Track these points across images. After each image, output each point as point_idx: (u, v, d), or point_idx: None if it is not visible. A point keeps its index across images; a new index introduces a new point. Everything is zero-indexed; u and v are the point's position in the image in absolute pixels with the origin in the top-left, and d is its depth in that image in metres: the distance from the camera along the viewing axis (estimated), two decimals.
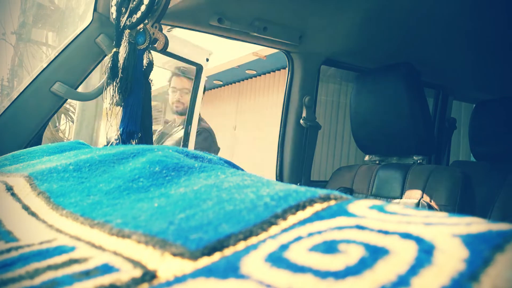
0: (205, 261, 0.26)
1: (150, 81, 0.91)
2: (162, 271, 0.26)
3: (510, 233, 0.22)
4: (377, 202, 0.31)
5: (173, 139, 1.98)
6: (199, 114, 1.96)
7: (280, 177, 1.61)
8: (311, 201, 0.31)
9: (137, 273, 0.26)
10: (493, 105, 1.77)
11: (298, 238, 0.26)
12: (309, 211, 0.30)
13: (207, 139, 2.04)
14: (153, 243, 0.29)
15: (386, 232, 0.25)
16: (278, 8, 1.36)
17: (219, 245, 0.27)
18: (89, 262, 0.28)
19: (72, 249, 0.31)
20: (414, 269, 0.20)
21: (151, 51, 0.90)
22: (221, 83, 6.71)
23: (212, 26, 1.33)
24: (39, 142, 1.15)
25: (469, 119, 1.85)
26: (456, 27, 1.48)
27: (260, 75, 6.01)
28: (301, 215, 0.30)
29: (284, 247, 0.25)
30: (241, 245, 0.27)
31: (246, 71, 5.83)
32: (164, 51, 0.85)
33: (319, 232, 0.27)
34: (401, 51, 1.66)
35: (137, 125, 0.87)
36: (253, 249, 0.26)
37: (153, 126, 0.96)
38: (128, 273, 0.26)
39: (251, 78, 6.23)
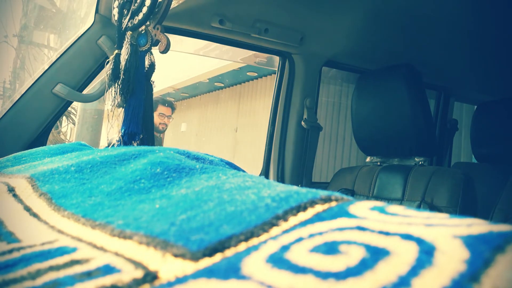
0: (206, 262, 0.26)
1: (151, 82, 0.91)
2: (164, 272, 0.26)
3: (511, 234, 0.22)
4: (378, 203, 0.31)
5: None
6: None
7: (281, 179, 1.61)
8: (312, 202, 0.32)
9: (139, 274, 0.26)
10: (494, 106, 1.76)
11: (299, 239, 0.26)
12: (310, 212, 0.30)
13: None
14: (155, 244, 0.29)
15: (387, 233, 0.25)
16: (280, 9, 1.36)
17: (220, 246, 0.27)
18: (90, 263, 0.28)
19: (73, 250, 0.31)
20: (414, 270, 0.20)
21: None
22: (222, 85, 6.72)
23: (213, 28, 1.34)
24: (43, 144, 1.15)
25: (471, 121, 1.85)
26: (457, 28, 1.48)
27: (261, 77, 6.01)
28: (302, 216, 0.30)
29: (285, 248, 0.26)
30: (242, 246, 0.27)
31: (247, 73, 5.84)
32: (166, 52, 0.85)
33: (320, 233, 0.27)
34: (402, 52, 1.66)
35: (139, 126, 0.88)
36: (254, 250, 0.26)
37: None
38: (129, 274, 0.26)
39: (252, 80, 6.24)
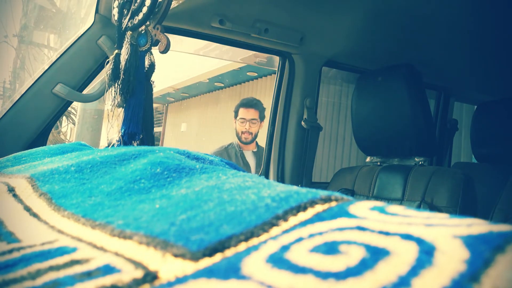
0: (206, 262, 0.26)
1: (151, 82, 0.91)
2: (164, 272, 0.26)
3: (511, 234, 0.22)
4: (378, 203, 0.31)
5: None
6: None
7: (281, 179, 1.61)
8: (312, 202, 0.32)
9: (139, 273, 0.26)
10: (494, 106, 1.76)
11: (299, 239, 0.26)
12: (310, 212, 0.30)
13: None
14: (155, 244, 0.29)
15: (387, 233, 0.25)
16: (280, 9, 1.36)
17: (220, 246, 0.27)
18: (90, 263, 0.28)
19: (73, 250, 0.31)
20: (414, 270, 0.20)
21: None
22: (222, 85, 6.72)
23: (214, 28, 1.34)
24: (43, 144, 1.15)
25: (471, 121, 1.85)
26: (458, 28, 1.48)
27: (261, 77, 6.01)
28: (302, 216, 0.30)
29: (285, 248, 0.26)
30: (242, 246, 0.27)
31: (247, 73, 5.84)
32: (166, 52, 0.85)
33: (320, 233, 0.27)
34: (402, 52, 1.66)
35: (139, 126, 0.88)
36: (254, 250, 0.26)
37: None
38: (129, 273, 0.26)
39: (252, 80, 6.24)
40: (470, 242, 0.22)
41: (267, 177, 1.63)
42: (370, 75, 1.51)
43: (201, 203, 0.35)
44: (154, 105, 0.99)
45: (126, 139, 0.87)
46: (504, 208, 1.46)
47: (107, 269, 0.27)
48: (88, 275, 0.26)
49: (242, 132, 2.19)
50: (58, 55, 1.16)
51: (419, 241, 0.23)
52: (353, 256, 0.23)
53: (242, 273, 0.23)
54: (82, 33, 1.17)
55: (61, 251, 0.31)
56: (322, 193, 0.33)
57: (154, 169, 0.47)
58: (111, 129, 0.92)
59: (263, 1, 1.31)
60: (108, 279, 0.25)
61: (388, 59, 1.61)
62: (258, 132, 2.24)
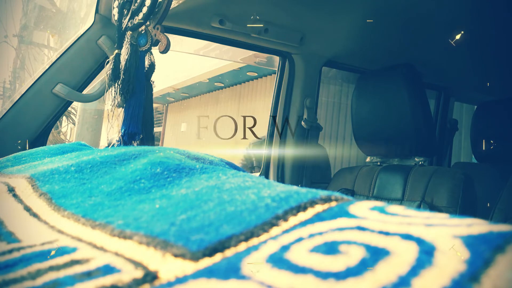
0: (206, 262, 0.26)
1: (151, 82, 0.91)
2: (164, 272, 0.26)
3: (511, 234, 0.22)
4: (378, 203, 0.31)
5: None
6: None
7: (281, 179, 1.61)
8: (312, 202, 0.32)
9: (139, 274, 0.26)
10: (494, 106, 1.76)
11: (299, 239, 0.26)
12: (310, 212, 0.30)
13: None
14: (155, 244, 0.29)
15: (387, 233, 0.25)
16: (280, 9, 1.36)
17: (220, 246, 0.27)
18: (90, 263, 0.28)
19: (73, 250, 0.31)
20: (414, 270, 0.20)
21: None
22: (222, 85, 6.72)
23: (214, 28, 1.34)
24: (43, 144, 1.15)
25: (471, 120, 1.85)
26: (458, 28, 1.48)
27: (261, 77, 6.01)
28: (302, 216, 0.30)
29: (285, 248, 0.26)
30: (242, 246, 0.27)
31: (247, 73, 5.84)
32: (166, 52, 0.85)
33: (320, 233, 0.27)
34: (402, 52, 1.66)
35: (139, 126, 0.88)
36: (254, 250, 0.26)
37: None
38: (129, 273, 0.26)
39: (252, 80, 6.24)
40: (470, 242, 0.22)
41: (267, 177, 1.64)
42: (370, 75, 1.51)
43: (201, 203, 0.35)
44: (154, 105, 0.99)
45: (126, 139, 0.87)
46: (504, 208, 1.46)
47: (107, 269, 0.27)
48: (88, 275, 0.26)
49: None
50: (58, 55, 1.16)
51: (419, 241, 0.23)
52: (353, 256, 0.23)
53: (242, 273, 0.23)
54: (82, 33, 1.17)
55: (61, 251, 0.31)
56: (322, 193, 0.33)
57: (154, 169, 0.47)
58: (111, 129, 0.92)
59: (263, 1, 1.31)
60: (108, 279, 0.25)
61: (388, 59, 1.61)
62: None
